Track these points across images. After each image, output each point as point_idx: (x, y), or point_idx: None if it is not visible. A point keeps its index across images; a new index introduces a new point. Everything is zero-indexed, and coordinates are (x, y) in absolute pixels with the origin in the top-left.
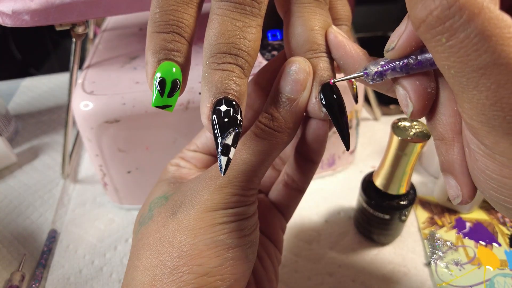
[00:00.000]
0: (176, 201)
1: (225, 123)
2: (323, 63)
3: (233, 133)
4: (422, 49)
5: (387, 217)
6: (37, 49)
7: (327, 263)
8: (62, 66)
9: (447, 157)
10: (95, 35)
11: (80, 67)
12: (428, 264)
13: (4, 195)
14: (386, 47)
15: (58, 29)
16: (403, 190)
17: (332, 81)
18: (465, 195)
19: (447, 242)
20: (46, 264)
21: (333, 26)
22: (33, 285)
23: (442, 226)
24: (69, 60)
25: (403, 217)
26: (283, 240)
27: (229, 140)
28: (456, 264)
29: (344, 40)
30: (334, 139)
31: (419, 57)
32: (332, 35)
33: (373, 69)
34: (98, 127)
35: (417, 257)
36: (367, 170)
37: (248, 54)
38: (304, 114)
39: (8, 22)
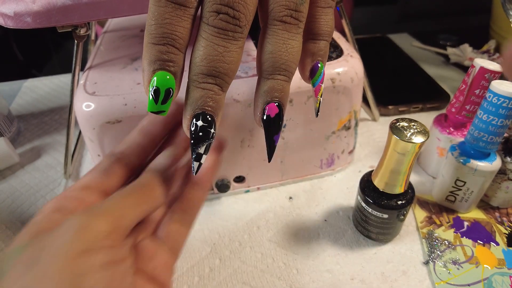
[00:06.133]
0: (35, 249)
1: (200, 137)
2: (273, 84)
3: (206, 144)
4: None
5: (385, 216)
6: (39, 50)
7: (326, 261)
8: (64, 67)
9: None
10: (96, 36)
11: (82, 68)
12: (426, 263)
13: (6, 195)
14: None
15: (60, 30)
16: (401, 189)
17: None
18: None
19: (445, 241)
20: None
21: None
22: None
23: (440, 225)
24: (71, 62)
25: (402, 217)
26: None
27: (201, 150)
28: (454, 263)
29: None
30: (333, 139)
31: None
32: None
33: None
34: (100, 128)
35: (416, 256)
36: (366, 170)
37: (227, 75)
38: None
39: (10, 24)
